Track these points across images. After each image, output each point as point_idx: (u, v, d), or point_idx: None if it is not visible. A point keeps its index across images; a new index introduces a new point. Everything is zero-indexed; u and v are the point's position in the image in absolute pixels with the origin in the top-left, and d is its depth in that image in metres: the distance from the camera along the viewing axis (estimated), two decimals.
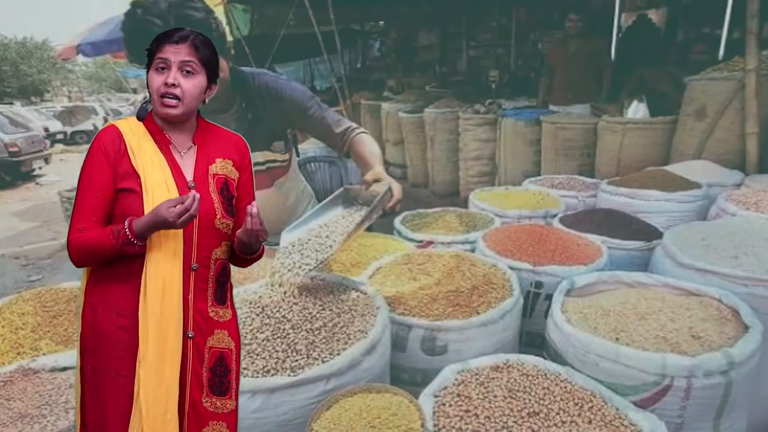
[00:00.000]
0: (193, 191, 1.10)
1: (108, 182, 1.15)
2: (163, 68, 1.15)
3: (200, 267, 1.19)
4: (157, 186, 1.15)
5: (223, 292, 1.26)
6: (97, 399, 1.15)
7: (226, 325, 1.25)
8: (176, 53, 1.15)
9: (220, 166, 1.25)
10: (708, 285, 1.81)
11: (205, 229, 1.18)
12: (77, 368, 1.19)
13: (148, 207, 1.13)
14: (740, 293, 1.75)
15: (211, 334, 1.22)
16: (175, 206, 1.08)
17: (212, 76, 1.22)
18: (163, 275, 1.14)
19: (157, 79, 1.15)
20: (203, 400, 1.20)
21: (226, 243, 1.25)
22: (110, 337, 1.14)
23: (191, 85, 1.17)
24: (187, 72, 1.16)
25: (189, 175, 1.21)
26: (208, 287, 1.22)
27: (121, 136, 1.17)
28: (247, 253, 1.27)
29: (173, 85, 1.14)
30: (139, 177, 1.14)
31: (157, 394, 1.12)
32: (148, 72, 1.18)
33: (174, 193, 1.16)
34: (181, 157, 1.22)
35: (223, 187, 1.24)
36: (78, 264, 1.15)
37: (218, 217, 1.20)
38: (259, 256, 1.32)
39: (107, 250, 1.11)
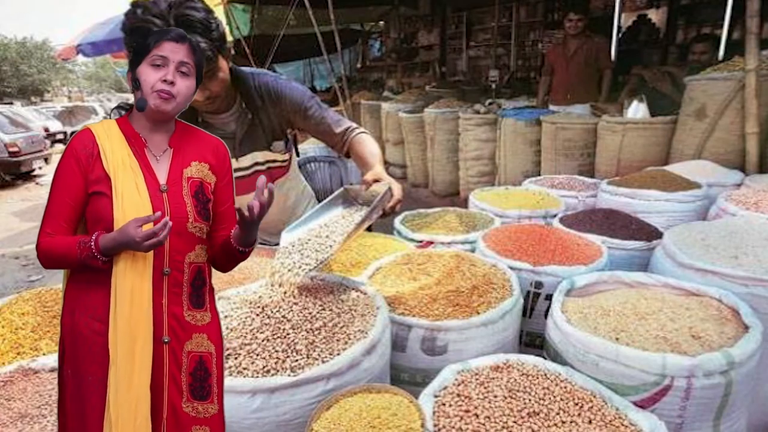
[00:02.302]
0: (166, 218, 1.09)
1: (77, 187, 1.14)
2: (159, 65, 1.15)
3: (173, 271, 1.18)
4: (128, 189, 1.14)
5: (200, 295, 1.24)
6: (78, 404, 1.15)
7: (205, 329, 1.24)
8: (175, 52, 1.15)
9: (196, 170, 1.24)
10: (708, 285, 1.81)
11: (177, 233, 1.17)
12: (57, 374, 1.19)
13: (118, 210, 1.12)
14: (740, 293, 1.75)
15: (189, 339, 1.21)
16: (141, 225, 1.07)
17: (200, 80, 1.23)
18: (131, 280, 1.13)
19: (153, 75, 1.14)
20: (184, 405, 1.19)
21: (200, 247, 1.24)
22: (87, 341, 1.14)
23: (185, 86, 1.17)
24: (183, 73, 1.16)
25: (162, 178, 1.20)
26: (183, 291, 1.20)
27: (95, 140, 1.16)
28: (245, 244, 1.24)
29: (171, 83, 1.14)
30: (110, 180, 1.14)
31: (127, 400, 1.11)
32: (136, 67, 1.16)
33: (145, 197, 1.15)
34: (156, 160, 1.21)
35: (197, 191, 1.22)
36: (46, 267, 1.15)
37: (190, 220, 1.19)
38: (247, 255, 1.30)
39: (72, 260, 1.11)
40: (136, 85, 1.18)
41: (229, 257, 1.28)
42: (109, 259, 1.12)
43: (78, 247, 1.10)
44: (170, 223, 1.09)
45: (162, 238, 1.08)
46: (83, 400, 1.14)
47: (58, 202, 1.15)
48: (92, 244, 1.09)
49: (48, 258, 1.13)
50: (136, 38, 1.20)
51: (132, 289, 1.13)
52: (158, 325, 1.16)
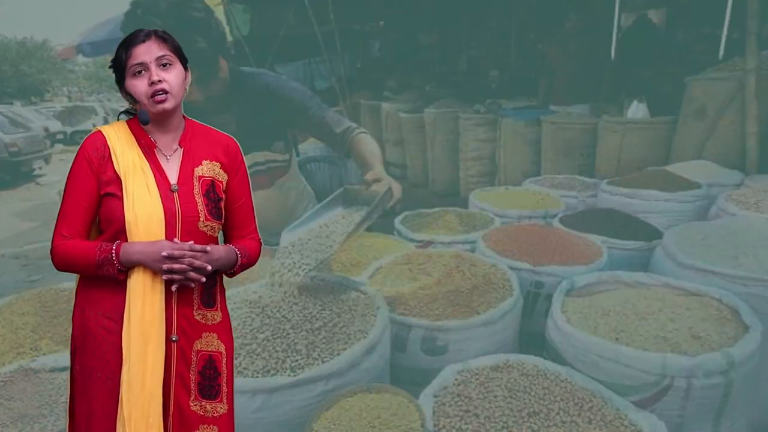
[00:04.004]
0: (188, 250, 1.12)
1: (91, 190, 1.15)
2: (140, 72, 1.15)
3: None
4: (138, 190, 1.15)
5: (210, 295, 1.24)
6: (86, 400, 1.16)
7: (215, 328, 1.24)
8: (148, 52, 1.15)
9: (207, 168, 1.24)
10: (708, 285, 1.81)
11: (188, 232, 1.17)
12: (69, 371, 1.20)
13: (129, 212, 1.13)
14: (740, 293, 1.75)
15: (198, 337, 1.21)
16: (173, 252, 1.10)
17: (185, 63, 1.22)
18: (144, 278, 1.14)
19: (139, 84, 1.15)
20: (191, 404, 1.19)
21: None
22: (96, 338, 1.15)
23: (173, 76, 1.17)
24: (165, 65, 1.16)
25: (173, 178, 1.20)
26: (193, 290, 1.20)
27: (106, 142, 1.17)
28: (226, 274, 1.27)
29: (159, 81, 1.14)
30: (121, 182, 1.15)
31: (140, 399, 1.12)
32: (122, 84, 1.17)
33: (156, 198, 1.16)
34: (166, 160, 1.21)
35: (209, 190, 1.22)
36: (59, 269, 1.16)
37: (201, 219, 1.19)
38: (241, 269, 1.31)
39: (90, 264, 1.12)
40: (131, 99, 1.19)
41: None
42: (125, 270, 1.13)
43: (98, 249, 1.11)
44: (195, 263, 1.12)
45: (183, 266, 1.11)
46: (90, 396, 1.15)
47: (72, 204, 1.16)
48: (113, 249, 1.11)
49: (63, 261, 1.14)
50: (114, 58, 1.20)
51: (144, 289, 1.14)
52: (168, 323, 1.16)
